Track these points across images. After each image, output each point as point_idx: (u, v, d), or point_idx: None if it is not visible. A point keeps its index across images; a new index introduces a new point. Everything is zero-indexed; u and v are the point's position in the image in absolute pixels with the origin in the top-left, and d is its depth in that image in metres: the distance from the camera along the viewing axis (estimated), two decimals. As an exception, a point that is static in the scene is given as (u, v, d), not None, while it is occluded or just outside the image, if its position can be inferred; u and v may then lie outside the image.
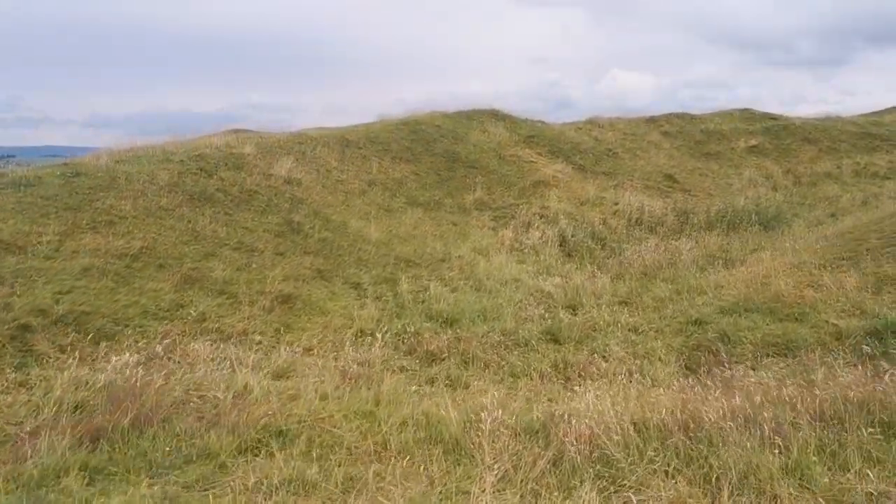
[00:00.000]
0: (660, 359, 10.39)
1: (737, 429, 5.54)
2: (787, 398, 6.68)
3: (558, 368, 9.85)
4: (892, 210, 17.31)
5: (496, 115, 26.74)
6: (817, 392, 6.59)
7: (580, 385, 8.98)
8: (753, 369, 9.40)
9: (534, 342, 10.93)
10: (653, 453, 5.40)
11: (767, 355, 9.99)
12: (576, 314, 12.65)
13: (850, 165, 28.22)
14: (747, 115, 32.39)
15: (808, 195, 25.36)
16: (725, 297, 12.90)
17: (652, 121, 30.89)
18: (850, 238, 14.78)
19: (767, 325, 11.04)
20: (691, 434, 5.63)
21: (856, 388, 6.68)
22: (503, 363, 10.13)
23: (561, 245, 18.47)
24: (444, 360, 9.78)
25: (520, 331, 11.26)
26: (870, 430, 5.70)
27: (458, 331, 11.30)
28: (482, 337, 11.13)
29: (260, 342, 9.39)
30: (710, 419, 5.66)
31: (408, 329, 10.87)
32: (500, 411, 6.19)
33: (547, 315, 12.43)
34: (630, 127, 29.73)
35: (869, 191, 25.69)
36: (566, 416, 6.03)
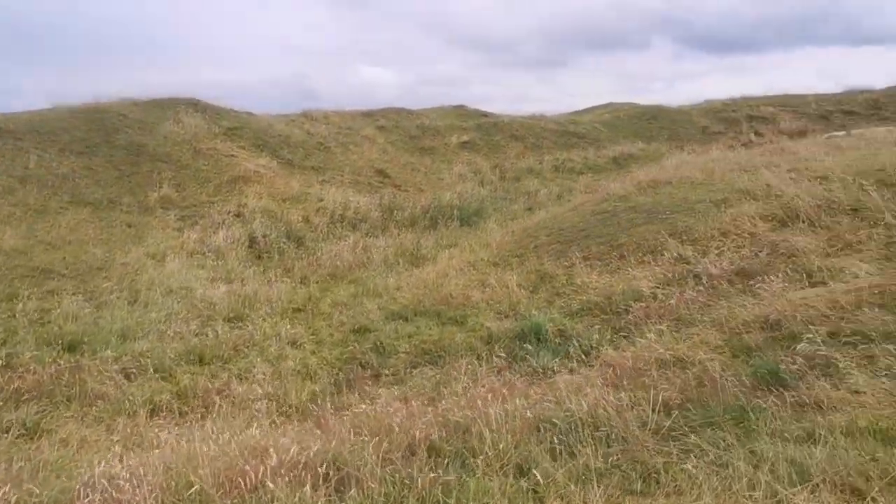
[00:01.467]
0: (309, 376, 9.46)
1: (289, 486, 4.58)
2: (395, 426, 5.94)
3: (183, 398, 8.52)
4: (573, 205, 18.06)
5: (195, 105, 24.58)
6: (415, 418, 5.91)
7: (200, 419, 7.76)
8: (396, 384, 8.79)
9: (168, 365, 9.47)
10: (173, 534, 4.28)
11: (420, 364, 9.44)
12: (236, 327, 11.38)
13: (551, 161, 29.75)
14: (461, 112, 33.16)
15: (512, 190, 26.22)
16: (401, 299, 12.36)
17: (368, 115, 30.45)
18: (526, 234, 15.03)
19: (430, 330, 10.57)
20: (237, 498, 4.60)
21: (458, 410, 6.11)
22: (121, 395, 8.57)
23: (251, 246, 17.10)
24: (35, 399, 8.00)
25: (153, 352, 9.74)
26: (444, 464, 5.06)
27: (81, 357, 9.53)
28: (111, 362, 9.48)
29: None
30: (254, 476, 4.65)
31: (6, 360, 8.90)
32: (9, 486, 4.72)
33: (200, 330, 11.03)
34: (345, 120, 29.01)
35: (565, 185, 27.16)
36: (87, 487, 4.72)
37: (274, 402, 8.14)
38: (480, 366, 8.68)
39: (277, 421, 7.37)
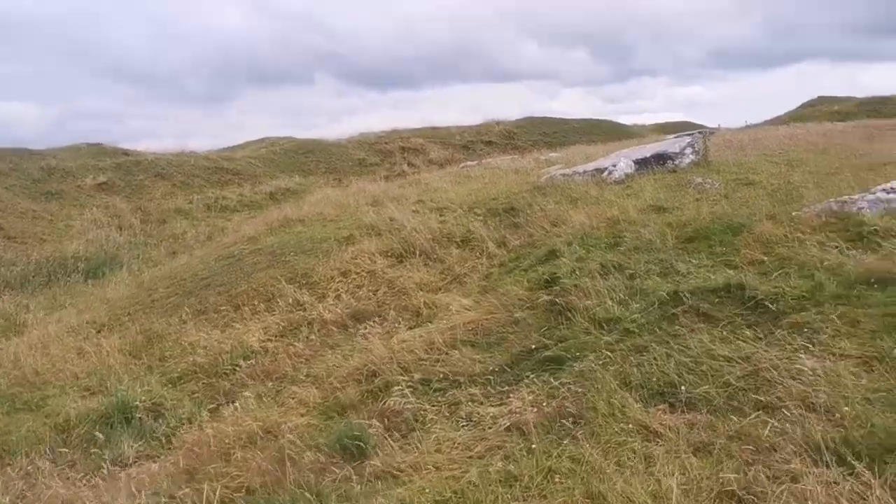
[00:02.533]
0: None
1: None
2: None
3: None
4: (205, 251, 16.65)
5: None
6: None
7: None
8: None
9: None
10: None
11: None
12: None
13: (203, 200, 27.92)
14: (97, 150, 29.93)
15: (156, 233, 24.01)
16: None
17: (-22, 156, 26.03)
18: (146, 287, 13.34)
19: (-6, 422, 8.50)
20: None
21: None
22: None
23: None
24: None
25: None
26: None
27: None
28: None
29: None
30: None
31: None
32: None
33: None
34: (-55, 163, 24.44)
35: (217, 225, 25.53)
36: None
37: None
38: (44, 465, 7.01)
39: None
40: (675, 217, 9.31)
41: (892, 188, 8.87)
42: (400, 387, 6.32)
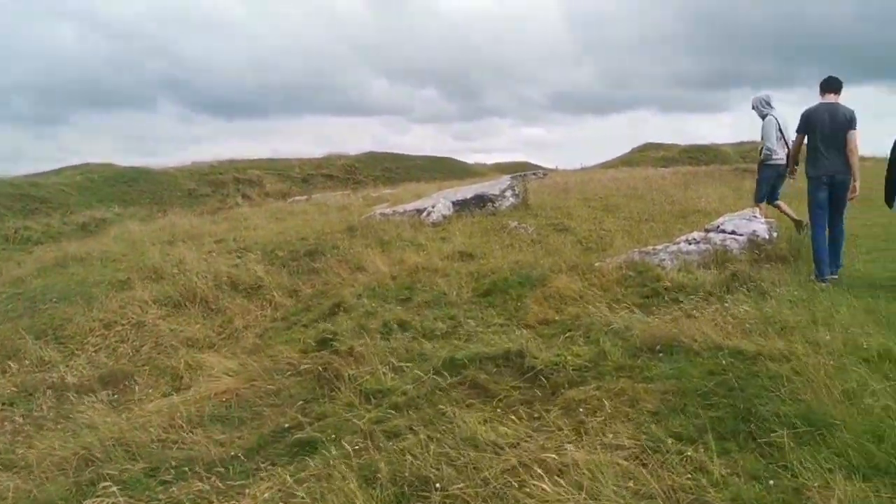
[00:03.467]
0: None
1: None
2: None
3: None
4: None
5: None
6: None
7: None
8: None
9: None
10: None
11: None
12: None
13: (1, 230, 24.94)
14: None
15: (-67, 269, 20.94)
16: None
17: None
18: None
19: None
20: None
21: None
22: None
23: None
24: None
25: None
26: None
27: None
28: None
29: None
30: None
31: None
32: None
33: None
34: None
35: (14, 259, 22.72)
36: None
37: None
38: None
39: None
40: (479, 266, 8.62)
41: (693, 239, 8.60)
42: (108, 483, 5.04)
